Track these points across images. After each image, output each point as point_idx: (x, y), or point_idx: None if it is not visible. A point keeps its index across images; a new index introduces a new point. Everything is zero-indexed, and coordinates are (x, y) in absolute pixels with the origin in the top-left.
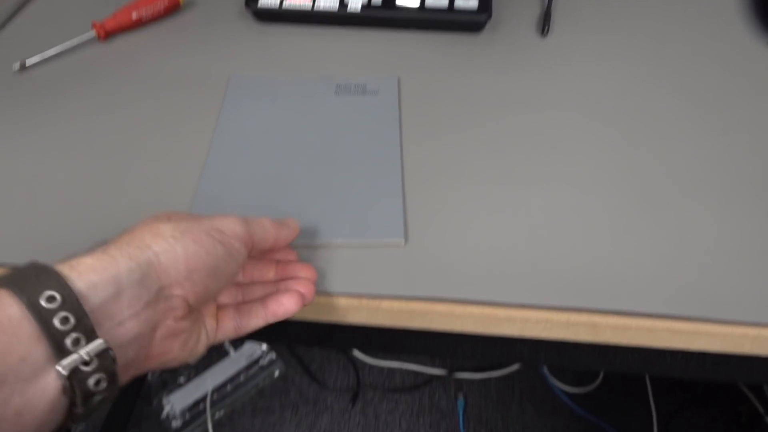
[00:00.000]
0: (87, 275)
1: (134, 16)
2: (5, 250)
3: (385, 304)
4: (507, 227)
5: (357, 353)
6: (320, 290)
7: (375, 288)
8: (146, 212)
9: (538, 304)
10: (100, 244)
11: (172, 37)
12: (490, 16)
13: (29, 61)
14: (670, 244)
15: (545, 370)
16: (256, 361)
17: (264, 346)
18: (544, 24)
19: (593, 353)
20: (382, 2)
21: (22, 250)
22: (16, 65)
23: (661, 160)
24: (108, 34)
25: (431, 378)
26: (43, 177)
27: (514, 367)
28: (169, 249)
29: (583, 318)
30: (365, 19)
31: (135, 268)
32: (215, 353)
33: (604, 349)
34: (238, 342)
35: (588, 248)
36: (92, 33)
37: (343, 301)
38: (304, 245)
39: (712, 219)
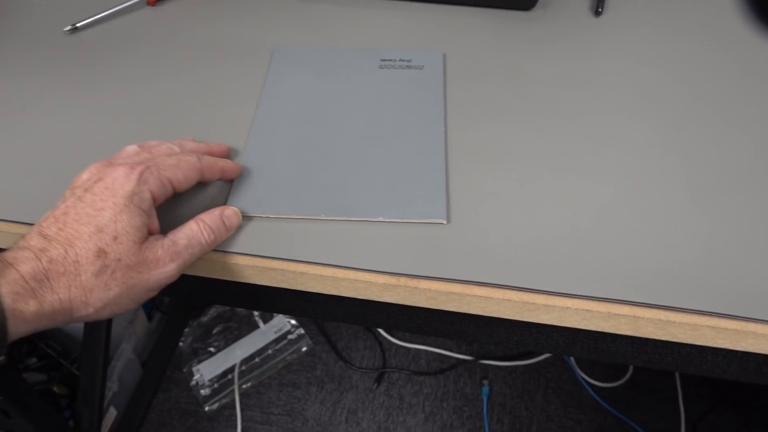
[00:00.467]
0: (23, 326)
1: None
2: (44, 210)
3: (423, 284)
4: (550, 213)
5: (384, 333)
6: (358, 267)
7: (413, 267)
8: None
9: (579, 294)
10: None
11: (220, 4)
12: None
13: (80, 24)
14: (719, 240)
15: (572, 361)
16: (285, 335)
17: (293, 321)
18: (598, 3)
19: (631, 347)
20: None
21: None
22: (67, 27)
23: (714, 152)
24: None
25: (457, 362)
26: (88, 138)
27: (541, 356)
28: (91, 315)
29: (625, 310)
30: None
31: (55, 322)
32: (245, 325)
33: (643, 343)
34: (268, 315)
35: (632, 240)
36: None
37: (380, 279)
38: (344, 219)
39: (764, 216)
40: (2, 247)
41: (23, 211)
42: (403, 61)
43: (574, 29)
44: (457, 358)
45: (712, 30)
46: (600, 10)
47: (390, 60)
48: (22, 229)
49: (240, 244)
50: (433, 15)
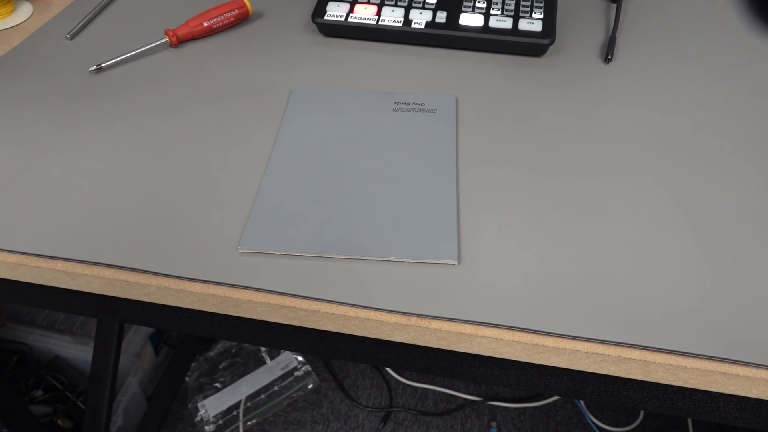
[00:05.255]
0: None
1: (205, 24)
2: (66, 243)
3: (434, 324)
4: (560, 256)
5: (391, 372)
6: (369, 306)
7: (424, 307)
8: (206, 214)
9: (589, 337)
10: None
11: (240, 46)
12: (553, 40)
13: (104, 64)
14: (730, 285)
15: (582, 404)
16: (291, 372)
17: (300, 358)
18: (608, 50)
19: (642, 392)
20: (446, 21)
21: (82, 245)
22: (93, 67)
23: (725, 198)
24: (180, 41)
25: (465, 403)
26: (109, 173)
27: (551, 399)
28: None
29: (636, 354)
30: (428, 37)
31: None
32: (252, 361)
33: (654, 388)
34: (275, 351)
35: (643, 284)
36: (165, 39)
37: (391, 318)
38: (356, 258)
39: None
40: (28, 281)
41: (45, 245)
42: (416, 104)
43: (584, 75)
44: (465, 399)
45: (721, 77)
46: (609, 57)
47: (404, 103)
48: (44, 262)
49: (253, 280)
50: (447, 60)
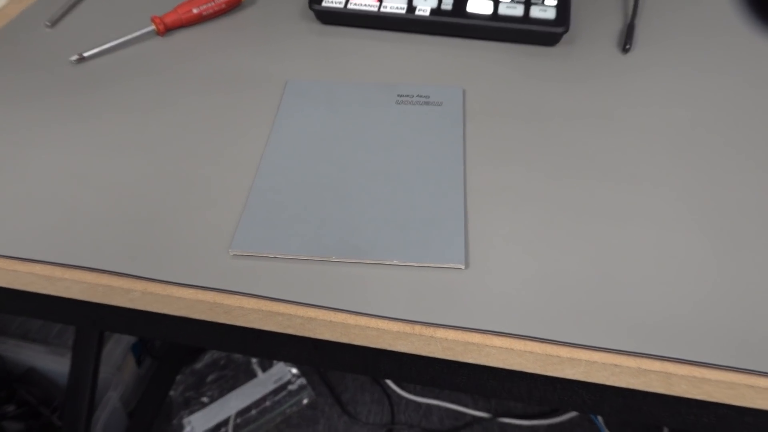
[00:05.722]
0: None
1: (195, 11)
2: (45, 245)
3: (440, 332)
4: (574, 260)
5: (393, 386)
6: (370, 313)
7: (429, 315)
8: (195, 214)
9: (606, 347)
10: None
11: (232, 35)
12: (567, 28)
13: (87, 53)
14: (758, 292)
15: (600, 421)
16: (285, 385)
17: (294, 370)
18: (626, 39)
19: (664, 406)
20: (453, 8)
21: (62, 247)
22: (74, 56)
23: (751, 197)
24: (167, 29)
25: (473, 420)
26: (94, 170)
27: (566, 415)
28: None
29: (656, 366)
30: (433, 25)
31: None
32: (242, 374)
33: (677, 402)
34: (267, 363)
35: (665, 290)
36: (151, 27)
37: (394, 326)
38: (356, 262)
39: None
40: (3, 285)
41: (23, 247)
42: (420, 96)
43: (600, 66)
44: (473, 415)
45: (744, 69)
46: (628, 46)
47: (407, 96)
48: (21, 266)
49: (246, 285)
50: (453, 50)
